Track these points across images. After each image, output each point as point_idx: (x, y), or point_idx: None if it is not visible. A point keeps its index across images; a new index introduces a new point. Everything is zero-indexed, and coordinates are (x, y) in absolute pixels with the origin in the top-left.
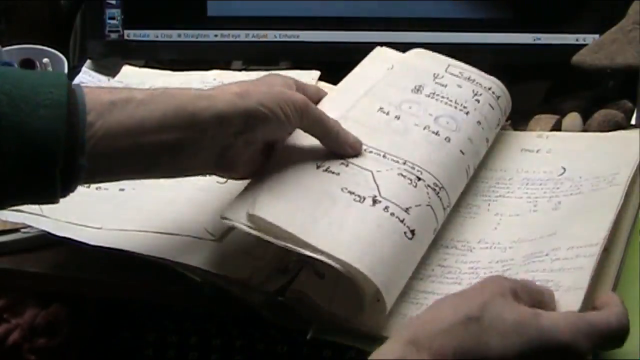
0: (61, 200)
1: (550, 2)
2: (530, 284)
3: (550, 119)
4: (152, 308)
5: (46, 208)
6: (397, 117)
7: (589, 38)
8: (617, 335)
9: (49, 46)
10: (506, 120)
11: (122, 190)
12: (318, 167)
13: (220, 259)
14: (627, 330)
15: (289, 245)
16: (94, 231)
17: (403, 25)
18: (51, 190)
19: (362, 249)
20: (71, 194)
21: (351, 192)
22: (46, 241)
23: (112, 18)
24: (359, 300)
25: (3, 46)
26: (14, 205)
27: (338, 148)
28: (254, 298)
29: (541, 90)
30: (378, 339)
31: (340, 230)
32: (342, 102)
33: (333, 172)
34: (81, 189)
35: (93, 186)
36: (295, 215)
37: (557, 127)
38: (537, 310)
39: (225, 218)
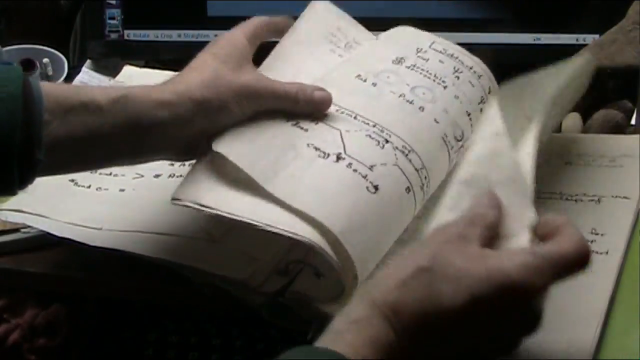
0: (61, 200)
1: (550, 2)
2: (478, 219)
3: None
4: (152, 308)
5: (46, 208)
6: (374, 85)
7: (589, 38)
8: (576, 262)
9: (49, 46)
10: None
11: (122, 190)
12: (287, 121)
13: (220, 260)
14: (586, 252)
15: (237, 218)
16: (94, 232)
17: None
18: (9, 182)
19: (321, 200)
20: (72, 195)
21: (317, 148)
22: (46, 241)
23: (112, 18)
24: (332, 270)
25: (3, 46)
26: None
27: (304, 109)
28: (254, 299)
29: None
30: None
31: (300, 182)
32: (316, 67)
33: (302, 128)
34: (81, 190)
35: (93, 187)
36: (258, 161)
37: (557, 128)
38: (485, 252)
39: (176, 199)
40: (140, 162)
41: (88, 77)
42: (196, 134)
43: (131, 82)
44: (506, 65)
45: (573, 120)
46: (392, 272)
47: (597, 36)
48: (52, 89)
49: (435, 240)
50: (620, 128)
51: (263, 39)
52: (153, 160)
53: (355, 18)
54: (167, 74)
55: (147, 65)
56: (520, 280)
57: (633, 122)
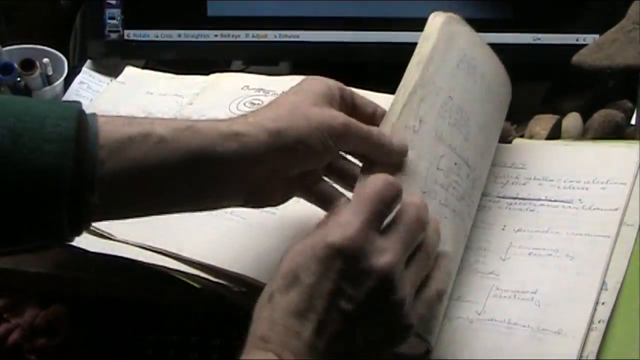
0: None
1: (550, 2)
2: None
3: (550, 119)
4: (152, 308)
5: None
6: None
7: (589, 38)
8: (384, 195)
9: (49, 46)
10: (506, 121)
11: None
12: None
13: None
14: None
15: None
16: (102, 241)
17: (403, 25)
18: (58, 231)
19: None
20: None
21: None
22: None
23: (112, 18)
24: None
25: (3, 46)
26: (23, 247)
27: (382, 158)
28: (254, 305)
29: (541, 90)
30: None
31: None
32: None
33: None
34: None
35: None
36: None
37: (557, 127)
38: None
39: None
40: (203, 208)
41: (88, 77)
42: (269, 174)
43: (132, 82)
44: (506, 65)
45: (573, 120)
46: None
47: (597, 36)
48: (109, 124)
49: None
50: (620, 128)
51: (351, 102)
52: (217, 206)
53: (355, 18)
54: (169, 76)
55: (147, 65)
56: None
57: (633, 122)
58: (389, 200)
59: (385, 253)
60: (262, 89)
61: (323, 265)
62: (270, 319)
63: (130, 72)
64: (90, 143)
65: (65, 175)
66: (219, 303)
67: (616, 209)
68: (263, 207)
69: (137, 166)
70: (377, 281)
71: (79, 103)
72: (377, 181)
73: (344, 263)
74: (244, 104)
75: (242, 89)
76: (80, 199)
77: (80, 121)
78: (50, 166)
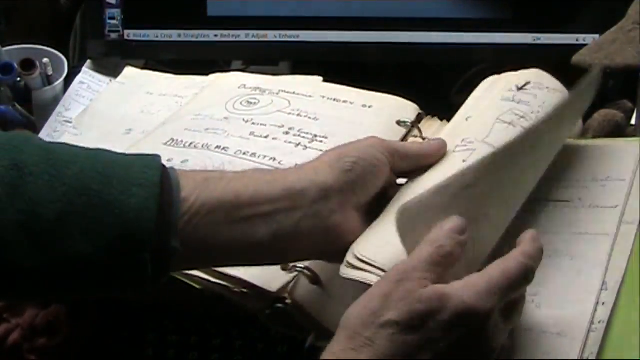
0: None
1: (550, 2)
2: (426, 256)
3: None
4: (152, 308)
5: None
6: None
7: (589, 38)
8: (520, 279)
9: (49, 46)
10: None
11: None
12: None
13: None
14: (529, 269)
15: None
16: None
17: (403, 25)
18: (142, 274)
19: None
20: None
21: None
22: None
23: (112, 18)
24: None
25: (3, 46)
26: (99, 294)
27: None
28: (254, 306)
29: None
30: None
31: None
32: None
33: None
34: None
35: None
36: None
37: None
38: (439, 291)
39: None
40: (285, 248)
41: (88, 77)
42: (339, 207)
43: (132, 83)
44: (506, 66)
45: None
46: (367, 309)
47: (597, 36)
48: (184, 171)
49: (402, 289)
50: (620, 128)
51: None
52: (297, 248)
53: (355, 17)
54: (169, 76)
55: (147, 65)
56: (473, 304)
57: (633, 122)
58: (521, 286)
59: (504, 333)
60: (258, 88)
61: (450, 322)
62: (384, 347)
63: (130, 73)
64: (173, 187)
65: (151, 217)
66: (219, 303)
67: (616, 206)
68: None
69: (216, 199)
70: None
71: (159, 156)
72: (518, 262)
73: (469, 327)
74: (240, 102)
75: (238, 88)
76: (164, 242)
77: (163, 170)
78: (138, 208)
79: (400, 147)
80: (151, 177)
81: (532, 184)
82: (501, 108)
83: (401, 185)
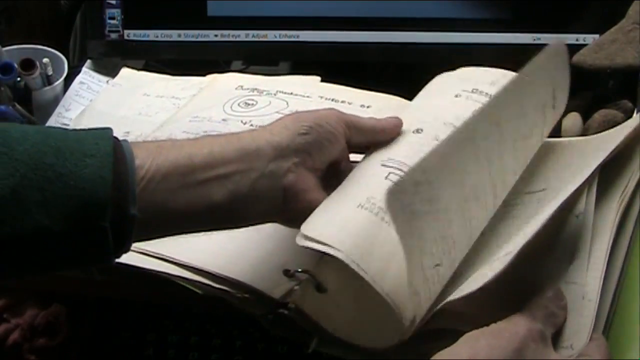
0: None
1: (550, 2)
2: (551, 319)
3: None
4: (152, 308)
5: None
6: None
7: (589, 38)
8: None
9: (49, 46)
10: None
11: None
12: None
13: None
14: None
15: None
16: None
17: (403, 25)
18: (104, 244)
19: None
20: None
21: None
22: None
23: (112, 18)
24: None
25: (3, 46)
26: (63, 268)
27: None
28: (255, 311)
29: None
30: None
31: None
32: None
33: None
34: None
35: None
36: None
37: (557, 127)
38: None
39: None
40: (240, 215)
41: (88, 77)
42: (295, 167)
43: (129, 84)
44: (506, 66)
45: (573, 120)
46: (475, 354)
47: (597, 36)
48: (136, 142)
49: (520, 335)
50: None
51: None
52: (253, 212)
53: (355, 18)
54: (165, 77)
55: (146, 65)
56: None
57: None
58: None
59: None
60: (256, 89)
61: None
62: None
63: (126, 74)
64: (126, 156)
65: (106, 185)
66: (219, 304)
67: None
68: (293, 223)
69: (171, 163)
70: None
71: (109, 129)
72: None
73: None
74: (238, 104)
75: (236, 89)
76: (123, 211)
77: (115, 141)
78: (92, 178)
79: (356, 121)
80: (103, 147)
81: (512, 168)
82: (459, 92)
83: (355, 162)
